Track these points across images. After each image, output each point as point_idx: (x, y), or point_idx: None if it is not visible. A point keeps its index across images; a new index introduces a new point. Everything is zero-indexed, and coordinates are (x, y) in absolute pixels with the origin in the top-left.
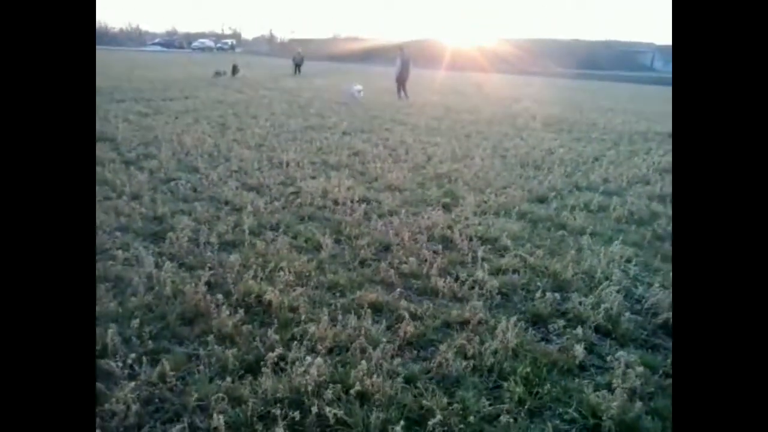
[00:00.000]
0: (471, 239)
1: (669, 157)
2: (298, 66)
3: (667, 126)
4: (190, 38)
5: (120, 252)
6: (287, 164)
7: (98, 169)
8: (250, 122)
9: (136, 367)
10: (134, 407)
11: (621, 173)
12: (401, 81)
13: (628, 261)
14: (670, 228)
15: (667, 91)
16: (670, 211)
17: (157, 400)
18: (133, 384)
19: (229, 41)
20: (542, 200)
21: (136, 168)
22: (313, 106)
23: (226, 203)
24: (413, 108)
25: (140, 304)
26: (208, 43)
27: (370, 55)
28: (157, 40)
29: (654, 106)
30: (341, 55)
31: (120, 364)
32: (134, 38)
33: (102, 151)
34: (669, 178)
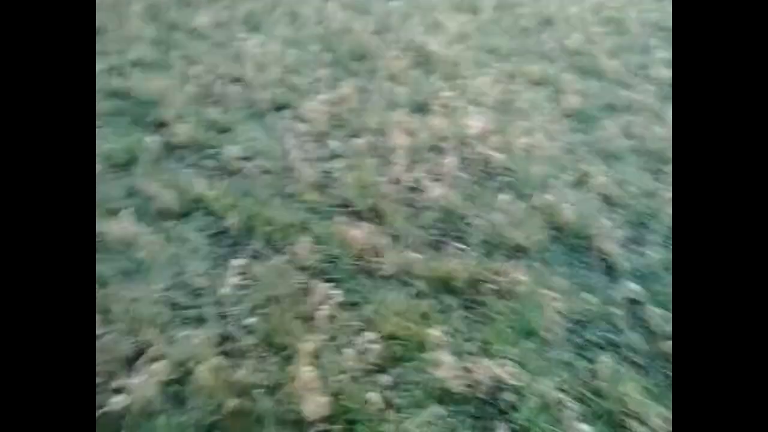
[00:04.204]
0: (645, 25)
1: None
2: None
3: None
4: None
5: None
6: None
7: None
8: None
9: (318, 86)
10: (323, 119)
11: None
12: None
13: None
14: None
15: None
16: None
17: (339, 117)
18: (320, 97)
19: None
20: None
21: None
22: None
23: None
24: None
25: (312, 34)
26: None
27: None
28: None
29: None
30: None
31: (306, 80)
32: None
33: None
34: None
